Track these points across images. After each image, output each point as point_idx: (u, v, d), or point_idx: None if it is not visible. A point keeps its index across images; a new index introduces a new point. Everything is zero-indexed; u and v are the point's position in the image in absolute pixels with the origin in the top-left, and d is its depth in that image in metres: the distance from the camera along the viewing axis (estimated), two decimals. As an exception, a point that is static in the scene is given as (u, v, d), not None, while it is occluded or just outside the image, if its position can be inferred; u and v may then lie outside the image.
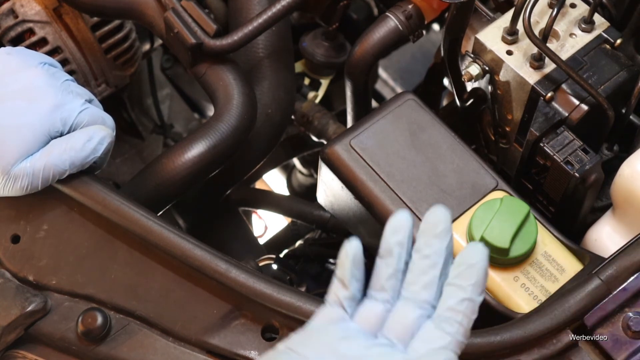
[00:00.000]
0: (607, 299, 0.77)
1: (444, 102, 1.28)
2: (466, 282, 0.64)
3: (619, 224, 0.92)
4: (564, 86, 0.94)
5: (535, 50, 0.94)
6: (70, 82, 0.94)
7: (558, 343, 0.78)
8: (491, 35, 0.97)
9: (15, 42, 1.14)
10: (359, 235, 1.00)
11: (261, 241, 1.55)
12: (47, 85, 0.91)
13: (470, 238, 0.85)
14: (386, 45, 1.06)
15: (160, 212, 1.05)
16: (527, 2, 0.91)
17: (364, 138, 0.93)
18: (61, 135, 0.90)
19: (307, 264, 1.41)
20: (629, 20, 1.03)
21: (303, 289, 1.30)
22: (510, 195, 0.90)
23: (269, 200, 1.50)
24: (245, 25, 1.03)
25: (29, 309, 0.85)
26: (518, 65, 0.95)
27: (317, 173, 0.99)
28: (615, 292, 0.78)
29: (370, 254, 0.85)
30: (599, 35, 0.97)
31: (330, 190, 0.97)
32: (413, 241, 0.67)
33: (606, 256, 0.83)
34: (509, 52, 0.96)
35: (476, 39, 0.97)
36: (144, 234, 0.87)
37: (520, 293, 0.84)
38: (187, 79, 1.61)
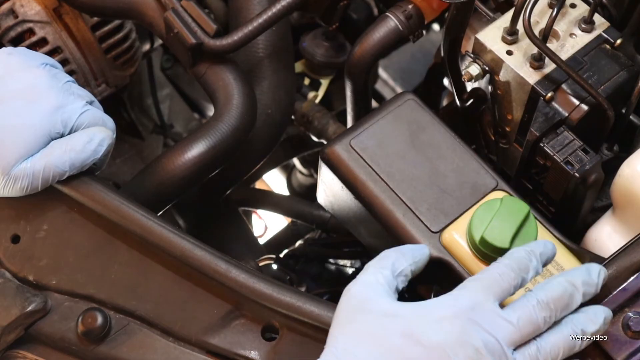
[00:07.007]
0: (607, 299, 0.77)
1: (444, 102, 1.28)
2: None
3: (619, 224, 0.92)
4: (564, 86, 0.94)
5: (535, 50, 0.94)
6: (72, 83, 0.94)
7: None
8: (491, 35, 0.97)
9: (15, 42, 1.14)
10: (359, 235, 1.00)
11: (261, 241, 1.55)
12: (49, 86, 0.90)
13: (470, 238, 0.85)
14: (386, 45, 1.06)
15: (160, 212, 1.05)
16: (527, 2, 0.91)
17: (364, 138, 0.93)
18: (62, 136, 0.90)
19: (307, 264, 1.41)
20: (629, 20, 1.03)
21: (303, 289, 1.30)
22: (510, 195, 0.90)
23: (269, 200, 1.50)
24: (245, 25, 1.03)
25: (29, 309, 0.85)
26: (518, 65, 0.95)
27: (317, 173, 0.99)
28: (615, 292, 0.78)
29: (370, 255, 0.85)
30: (599, 35, 0.97)
31: (330, 190, 0.97)
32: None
33: (606, 256, 0.83)
34: (509, 52, 0.96)
35: (476, 39, 0.97)
36: (144, 234, 0.87)
37: (520, 293, 0.84)
38: (187, 79, 1.61)
